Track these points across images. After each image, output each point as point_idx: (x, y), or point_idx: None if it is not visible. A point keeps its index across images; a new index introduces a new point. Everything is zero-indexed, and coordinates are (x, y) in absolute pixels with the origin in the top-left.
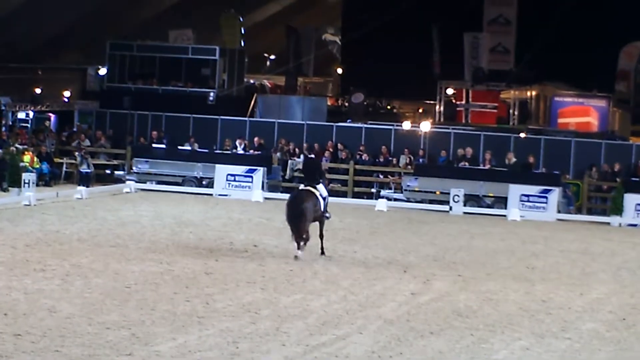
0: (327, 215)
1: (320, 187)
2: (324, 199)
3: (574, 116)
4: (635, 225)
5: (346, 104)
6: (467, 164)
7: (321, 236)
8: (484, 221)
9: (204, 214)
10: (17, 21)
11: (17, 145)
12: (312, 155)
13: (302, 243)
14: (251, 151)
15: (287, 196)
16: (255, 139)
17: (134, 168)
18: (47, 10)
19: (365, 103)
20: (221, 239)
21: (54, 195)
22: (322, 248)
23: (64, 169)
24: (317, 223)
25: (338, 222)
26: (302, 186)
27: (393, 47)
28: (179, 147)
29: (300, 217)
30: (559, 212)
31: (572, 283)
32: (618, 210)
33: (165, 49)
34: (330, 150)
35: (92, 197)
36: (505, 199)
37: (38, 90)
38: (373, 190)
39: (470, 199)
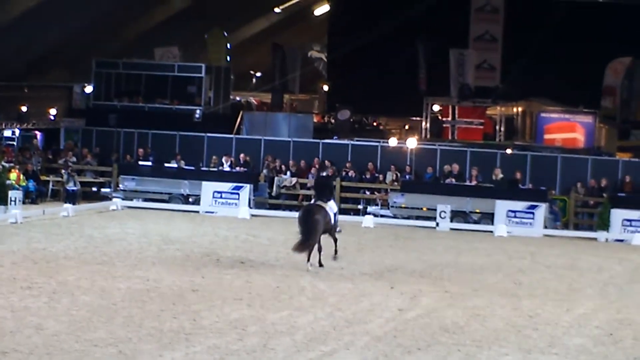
0: (339, 229)
1: (331, 203)
2: (334, 214)
3: (560, 132)
4: (622, 240)
5: (332, 121)
6: (453, 180)
7: (335, 240)
8: (470, 237)
9: (191, 231)
10: (4, 39)
11: (3, 163)
12: (324, 174)
13: (310, 254)
14: (237, 168)
15: (274, 213)
16: (242, 155)
17: (120, 185)
18: (34, 29)
19: (351, 120)
20: (208, 256)
21: (40, 212)
22: (335, 250)
23: (51, 186)
24: (327, 234)
25: (325, 238)
26: (312, 201)
27: (379, 64)
28: (166, 165)
29: (312, 228)
30: (545, 227)
31: (559, 298)
32: (605, 225)
33: (151, 66)
34: (317, 167)
35: (78, 214)
36: (492, 214)
37: (24, 108)
38: (360, 206)
39: (457, 215)
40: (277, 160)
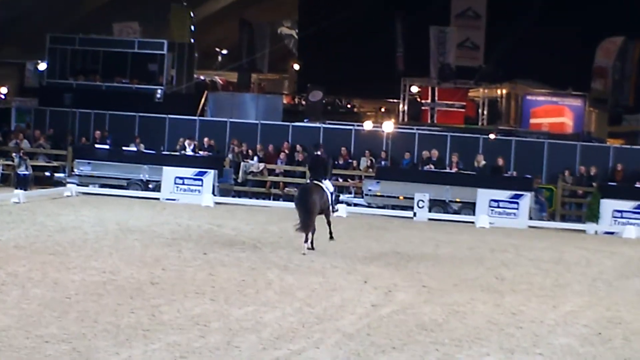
0: (335, 208)
1: (327, 182)
2: (330, 193)
3: (547, 116)
4: (612, 233)
5: (303, 103)
6: (432, 167)
7: (329, 223)
8: (450, 228)
9: (151, 220)
10: None
11: None
12: (319, 152)
13: (309, 235)
14: (201, 152)
15: (239, 200)
16: (206, 139)
17: (75, 170)
18: None
19: (323, 101)
20: (168, 247)
21: None
22: (330, 233)
23: (0, 170)
24: (323, 215)
25: (294, 229)
26: (308, 181)
27: (354, 42)
28: (124, 148)
29: (309, 208)
30: (530, 218)
31: (544, 295)
32: (594, 216)
33: (110, 42)
34: (286, 151)
35: (30, 201)
36: (474, 204)
37: None
38: None
39: (436, 205)
40: (243, 145)
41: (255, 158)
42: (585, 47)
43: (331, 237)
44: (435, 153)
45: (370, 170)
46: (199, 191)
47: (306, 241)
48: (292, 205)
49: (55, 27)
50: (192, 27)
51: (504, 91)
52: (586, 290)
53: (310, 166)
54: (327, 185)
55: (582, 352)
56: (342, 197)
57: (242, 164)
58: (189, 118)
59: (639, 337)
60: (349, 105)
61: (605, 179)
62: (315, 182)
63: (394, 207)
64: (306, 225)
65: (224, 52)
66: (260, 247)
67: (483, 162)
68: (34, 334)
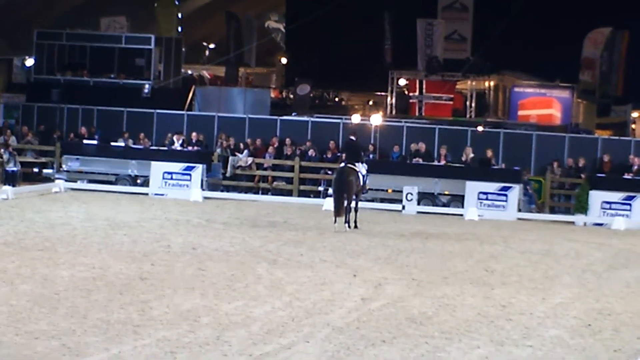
0: (365, 190)
1: (360, 164)
2: (363, 176)
3: (535, 108)
4: (601, 224)
5: (291, 96)
6: (420, 159)
7: (356, 210)
8: (439, 221)
9: (139, 215)
10: None
11: None
12: (353, 138)
13: (342, 215)
14: (189, 147)
15: (228, 195)
16: (194, 134)
17: (63, 166)
18: None
19: (311, 95)
20: (157, 242)
21: None
22: (355, 221)
23: None
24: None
25: (282, 222)
26: (343, 164)
27: (341, 35)
28: (112, 143)
29: (347, 189)
30: (519, 210)
31: (533, 287)
32: (583, 208)
33: (97, 37)
34: (275, 145)
35: (18, 197)
36: (462, 197)
37: None
38: (320, 188)
39: (425, 197)
40: (231, 139)
41: (245, 152)
42: (573, 38)
43: (355, 226)
44: (422, 146)
45: None
46: (188, 186)
47: (336, 221)
48: (280, 199)
49: (42, 23)
50: (179, 21)
51: (492, 83)
52: (575, 282)
53: (345, 149)
54: (361, 168)
55: (572, 343)
56: (330, 190)
57: (230, 158)
58: (177, 113)
59: (628, 328)
60: (336, 99)
61: (593, 170)
62: (349, 165)
63: (382, 201)
64: (342, 207)
65: (211, 46)
66: (249, 241)
67: (471, 155)
68: (23, 330)
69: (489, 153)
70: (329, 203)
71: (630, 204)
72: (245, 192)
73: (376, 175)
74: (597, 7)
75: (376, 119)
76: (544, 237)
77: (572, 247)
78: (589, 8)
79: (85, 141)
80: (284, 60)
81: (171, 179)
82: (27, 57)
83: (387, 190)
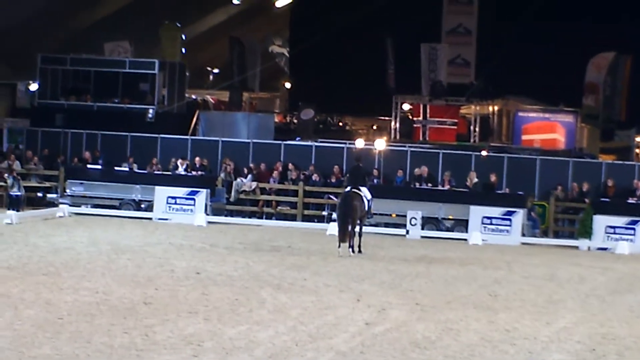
0: (370, 215)
1: (364, 189)
2: (368, 200)
3: (539, 132)
4: (605, 249)
5: (295, 121)
6: (425, 184)
7: (360, 234)
8: (443, 245)
9: (143, 240)
10: None
11: None
12: (359, 164)
13: (346, 240)
14: (193, 172)
15: (232, 220)
16: (197, 158)
17: (67, 190)
18: None
19: (315, 120)
20: (161, 267)
21: None
22: (359, 246)
23: None
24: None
25: (286, 247)
26: (348, 189)
27: (345, 60)
28: (116, 168)
29: (352, 213)
30: (523, 235)
31: (537, 311)
32: (587, 233)
33: (101, 62)
34: (279, 170)
35: (22, 222)
36: (466, 221)
37: None
38: (324, 213)
39: (429, 222)
40: (231, 163)
41: (249, 177)
42: (577, 63)
43: (359, 250)
44: (425, 170)
45: None
46: (192, 210)
47: (340, 247)
48: (284, 224)
49: (46, 47)
50: (183, 46)
51: (496, 108)
52: (579, 306)
53: (349, 175)
54: (365, 192)
55: None
56: (334, 215)
57: (234, 183)
58: (181, 137)
59: (632, 353)
60: (340, 124)
61: (597, 194)
62: (354, 190)
63: (386, 225)
64: (346, 232)
65: (215, 70)
66: (253, 265)
67: (475, 179)
68: (27, 355)
69: (493, 177)
70: (333, 228)
71: (634, 229)
72: (249, 217)
73: (380, 199)
74: (600, 32)
75: (380, 144)
76: (547, 261)
77: (576, 272)
78: (592, 33)
79: (89, 166)
80: (287, 85)
81: (175, 203)
82: (30, 82)
83: (391, 215)
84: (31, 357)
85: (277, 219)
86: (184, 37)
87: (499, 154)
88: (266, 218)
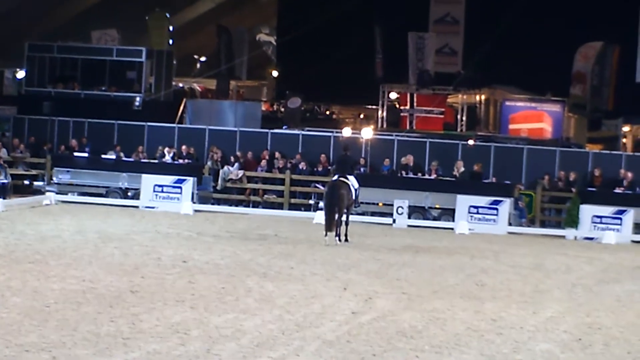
0: (358, 203)
1: (351, 178)
2: (355, 189)
3: (526, 122)
4: (591, 238)
5: (282, 110)
6: (411, 173)
7: (347, 223)
8: (429, 234)
9: (130, 228)
10: None
11: None
12: (347, 153)
13: (333, 229)
14: (180, 160)
15: (219, 208)
16: (184, 147)
17: (54, 178)
18: None
19: (302, 108)
20: (148, 255)
21: None
22: (346, 235)
23: None
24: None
25: (273, 235)
26: (335, 177)
27: (332, 48)
28: (103, 156)
29: (338, 202)
30: (510, 224)
31: (524, 301)
32: (573, 222)
33: (88, 50)
34: (266, 158)
35: (9, 209)
36: (453, 210)
37: None
38: (311, 201)
39: (415, 211)
40: (218, 151)
41: (235, 165)
42: (564, 52)
43: (346, 239)
44: (410, 158)
45: None
46: (178, 199)
47: (326, 235)
48: (271, 212)
49: (34, 35)
50: (171, 34)
51: (483, 97)
52: (566, 296)
53: (337, 163)
54: (353, 181)
55: (562, 358)
56: (321, 204)
57: (221, 171)
58: (168, 126)
59: (618, 343)
60: (327, 112)
61: (584, 184)
62: (342, 178)
63: (373, 214)
64: (333, 220)
65: (203, 59)
66: (240, 254)
67: (462, 169)
68: (13, 343)
69: (476, 167)
70: (319, 216)
71: (620, 218)
72: (236, 205)
73: (367, 188)
74: (588, 21)
75: (367, 133)
76: (534, 251)
77: (563, 261)
78: (580, 22)
79: (76, 154)
80: (275, 74)
81: (162, 191)
82: (18, 70)
83: (377, 204)
84: (18, 344)
85: (263, 208)
86: (171, 25)
87: (486, 143)
88: (253, 206)
